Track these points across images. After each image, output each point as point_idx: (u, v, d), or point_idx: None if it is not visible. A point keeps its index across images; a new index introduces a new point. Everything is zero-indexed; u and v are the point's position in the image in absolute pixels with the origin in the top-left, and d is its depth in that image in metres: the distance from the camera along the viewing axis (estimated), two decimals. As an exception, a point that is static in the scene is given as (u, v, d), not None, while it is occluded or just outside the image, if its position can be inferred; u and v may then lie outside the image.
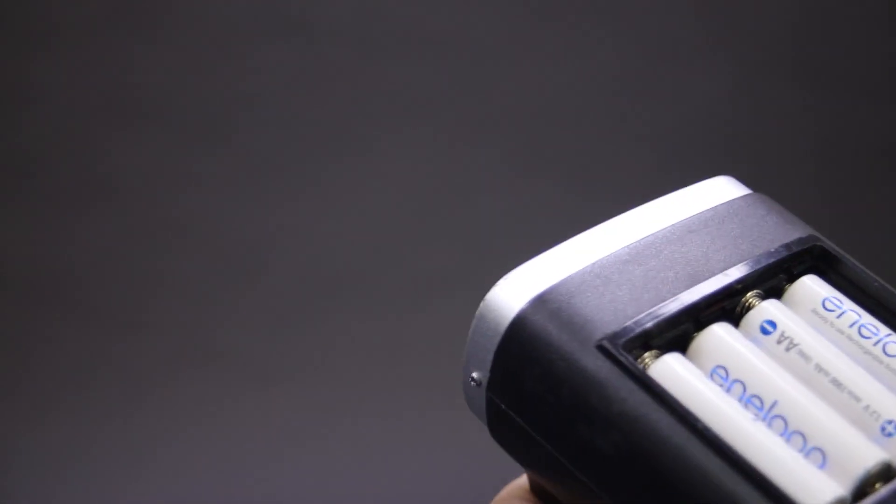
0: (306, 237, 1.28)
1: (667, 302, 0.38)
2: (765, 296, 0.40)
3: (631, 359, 0.37)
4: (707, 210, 0.42)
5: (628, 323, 0.38)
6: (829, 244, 0.41)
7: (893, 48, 1.36)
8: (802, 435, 0.36)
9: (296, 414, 1.20)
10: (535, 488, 0.42)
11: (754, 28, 1.37)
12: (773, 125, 1.33)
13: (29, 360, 1.23)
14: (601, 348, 0.37)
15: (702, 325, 0.39)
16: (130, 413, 1.21)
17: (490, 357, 0.39)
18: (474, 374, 0.39)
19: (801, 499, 0.34)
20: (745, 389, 0.37)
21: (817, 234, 0.41)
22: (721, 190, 0.43)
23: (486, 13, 1.35)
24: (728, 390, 0.37)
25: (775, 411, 0.36)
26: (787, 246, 0.41)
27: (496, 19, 1.35)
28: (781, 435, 0.36)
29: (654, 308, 0.38)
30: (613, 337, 0.37)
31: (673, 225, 0.41)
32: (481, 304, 0.39)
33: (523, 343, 0.38)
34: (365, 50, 1.33)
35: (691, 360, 0.38)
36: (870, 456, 0.35)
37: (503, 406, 0.39)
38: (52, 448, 1.18)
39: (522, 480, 0.43)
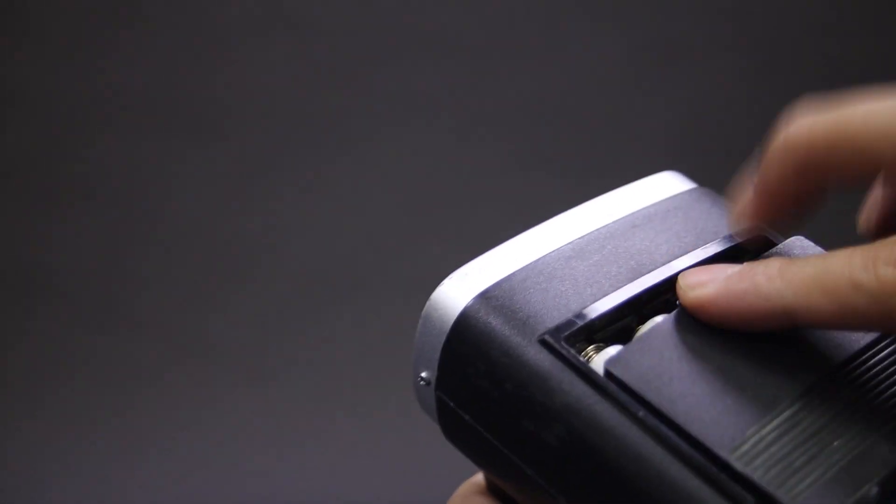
0: (304, 236, 1.28)
1: (609, 295, 0.38)
2: None
3: (573, 351, 0.37)
4: (652, 205, 0.42)
5: (570, 317, 0.38)
6: (773, 233, 0.41)
7: (883, 48, 1.36)
8: None
9: (290, 411, 1.20)
10: (490, 486, 0.42)
11: (754, 29, 1.37)
12: (757, 126, 1.33)
13: (24, 358, 1.23)
14: (543, 342, 0.37)
15: (646, 317, 0.39)
16: (124, 410, 1.21)
17: (437, 356, 0.39)
18: (423, 374, 0.40)
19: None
20: None
21: (762, 224, 0.41)
22: (666, 185, 0.43)
23: (486, 13, 1.35)
24: None
25: None
26: (730, 237, 0.41)
27: (496, 19, 1.35)
28: None
29: (596, 302, 0.38)
30: (555, 331, 0.37)
31: (617, 220, 0.41)
32: (427, 304, 0.39)
33: (468, 340, 0.38)
34: (365, 50, 1.33)
35: None
36: None
37: (452, 404, 0.39)
38: (43, 445, 1.19)
39: (479, 478, 0.43)
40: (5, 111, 1.31)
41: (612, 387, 0.36)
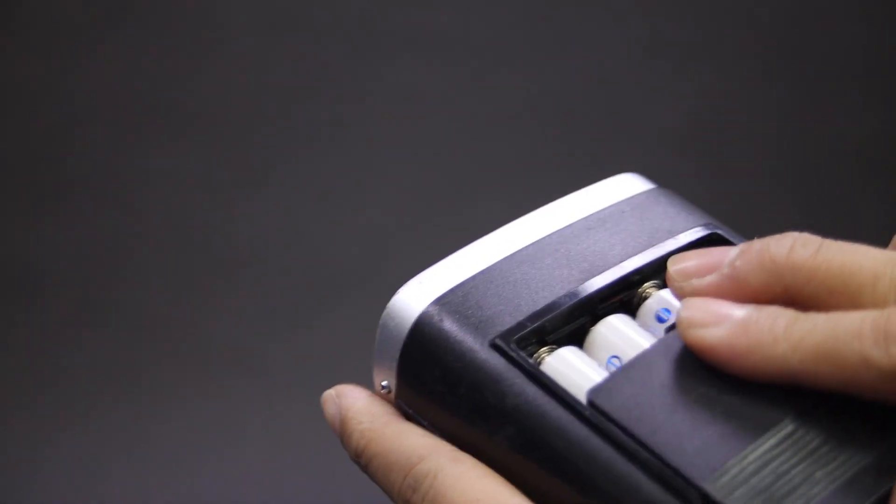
0: (300, 235, 1.28)
1: (561, 297, 0.39)
2: (662, 285, 0.40)
3: (522, 354, 0.37)
4: (608, 207, 0.42)
5: (521, 319, 0.38)
6: (728, 232, 0.41)
7: (881, 48, 1.36)
8: None
9: (286, 409, 1.20)
10: None
11: (749, 30, 1.37)
12: (761, 125, 1.33)
13: (17, 356, 1.23)
14: (494, 346, 0.37)
15: (599, 318, 0.39)
16: (118, 408, 1.21)
17: (395, 364, 0.39)
18: (383, 383, 0.40)
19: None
20: None
21: (716, 222, 0.41)
22: (623, 186, 0.43)
23: (486, 13, 1.35)
24: None
25: None
26: (681, 235, 0.41)
27: (496, 19, 1.35)
28: None
29: (547, 304, 0.38)
30: (506, 334, 0.38)
31: (572, 223, 0.41)
32: (383, 312, 0.40)
33: (423, 346, 0.39)
34: (365, 50, 1.33)
35: (587, 351, 0.39)
36: None
37: (411, 411, 0.40)
38: (37, 443, 1.19)
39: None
40: (12, 113, 1.31)
41: (561, 388, 0.36)
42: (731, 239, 0.41)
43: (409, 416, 0.40)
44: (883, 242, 0.39)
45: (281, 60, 1.33)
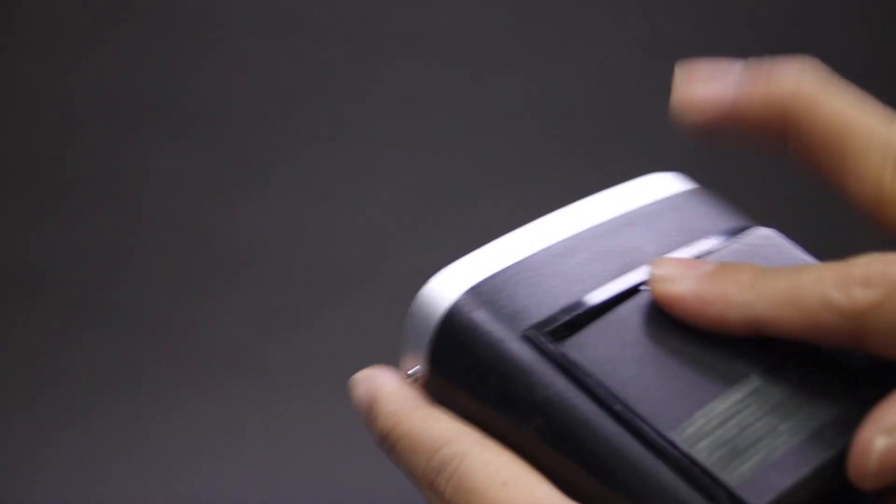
0: (300, 235, 1.28)
1: (594, 291, 0.39)
2: None
3: (554, 346, 0.37)
4: (648, 204, 0.42)
5: (554, 312, 0.38)
6: (770, 231, 0.41)
7: (883, 48, 1.36)
8: None
9: (285, 409, 1.21)
10: None
11: (749, 30, 1.37)
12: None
13: (16, 356, 1.23)
14: (525, 337, 0.38)
15: None
16: (116, 408, 1.21)
17: (425, 352, 0.39)
18: (411, 371, 0.40)
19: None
20: None
21: (756, 225, 0.41)
22: (663, 185, 0.43)
23: (486, 13, 1.35)
24: None
25: None
26: (719, 234, 0.41)
27: (496, 19, 1.35)
28: None
29: (581, 297, 0.39)
30: (539, 326, 0.38)
31: (611, 219, 0.41)
32: (414, 300, 0.40)
33: (454, 335, 0.39)
34: (365, 50, 1.33)
35: None
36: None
37: (439, 399, 0.39)
38: (37, 443, 1.19)
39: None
40: (13, 114, 1.31)
41: (593, 381, 0.36)
42: (777, 238, 0.41)
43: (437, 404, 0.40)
44: (882, 242, 0.39)
45: (281, 60, 1.33)
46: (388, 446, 0.40)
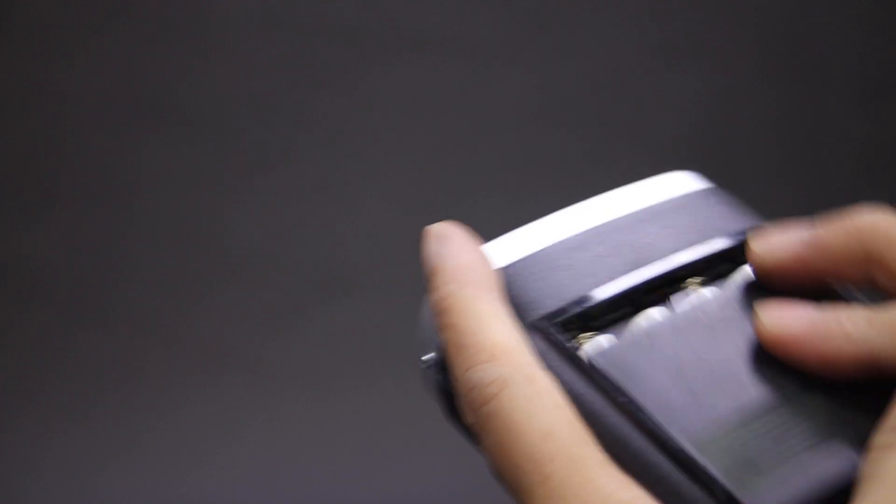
0: (300, 234, 1.28)
1: (606, 285, 0.39)
2: (708, 282, 0.40)
3: (562, 337, 0.37)
4: (663, 202, 0.42)
5: (565, 304, 0.38)
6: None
7: (881, 49, 1.36)
8: None
9: (284, 409, 1.21)
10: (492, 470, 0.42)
11: (750, 30, 1.37)
12: (757, 126, 1.33)
13: (14, 355, 1.23)
14: (534, 327, 0.38)
15: (641, 308, 0.39)
16: (114, 408, 1.21)
17: (438, 339, 0.39)
18: (425, 357, 0.40)
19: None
20: None
21: (765, 224, 0.41)
22: (679, 183, 0.43)
23: (486, 13, 1.35)
24: None
25: None
26: (733, 234, 0.41)
27: (497, 19, 1.35)
28: None
29: (593, 291, 0.39)
30: (548, 317, 0.38)
31: (626, 215, 0.41)
32: None
33: None
34: (365, 50, 1.33)
35: None
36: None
37: (450, 387, 0.39)
38: (33, 442, 1.19)
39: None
40: (16, 114, 1.31)
41: (596, 373, 0.37)
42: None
43: (447, 391, 0.40)
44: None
45: (279, 61, 1.33)
46: (438, 326, 0.37)
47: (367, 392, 1.21)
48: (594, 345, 0.38)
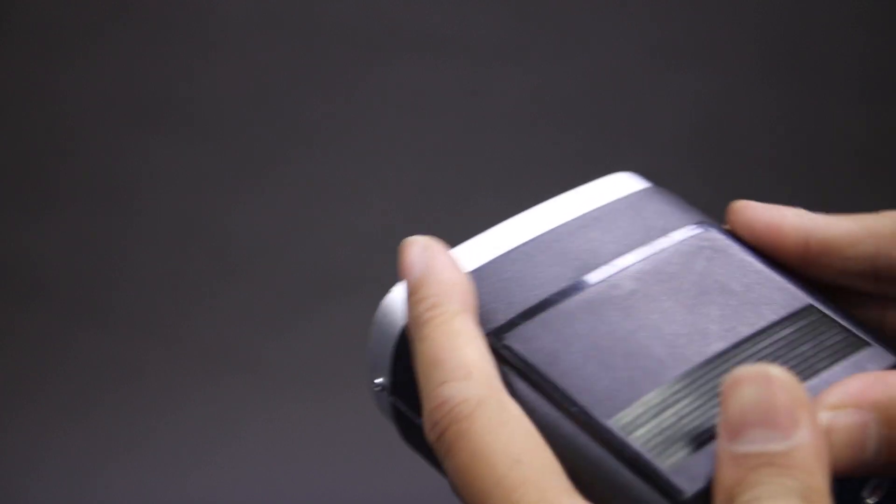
0: (298, 235, 1.28)
1: (553, 294, 0.39)
2: None
3: (511, 352, 0.37)
4: (602, 205, 0.42)
5: (513, 316, 0.38)
6: (720, 230, 0.41)
7: (881, 48, 1.36)
8: None
9: (283, 409, 1.20)
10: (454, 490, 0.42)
11: (749, 30, 1.37)
12: (757, 127, 1.33)
13: (13, 355, 1.23)
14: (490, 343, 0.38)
15: None
16: (113, 408, 1.21)
17: (388, 362, 0.39)
18: (377, 381, 0.40)
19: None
20: None
21: (710, 220, 0.42)
22: (618, 185, 0.43)
23: (486, 13, 1.35)
24: None
25: None
26: (677, 234, 0.41)
27: (497, 19, 1.35)
28: None
29: (539, 301, 0.39)
30: (498, 330, 0.38)
31: (566, 222, 0.41)
32: (376, 311, 0.40)
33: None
34: (365, 50, 1.33)
35: None
36: None
37: (404, 408, 0.39)
38: (32, 442, 1.18)
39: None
40: (19, 115, 1.31)
41: (551, 383, 0.36)
42: (723, 236, 0.41)
43: (402, 413, 0.40)
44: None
45: (278, 60, 1.33)
46: (413, 337, 0.37)
47: (368, 392, 1.21)
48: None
